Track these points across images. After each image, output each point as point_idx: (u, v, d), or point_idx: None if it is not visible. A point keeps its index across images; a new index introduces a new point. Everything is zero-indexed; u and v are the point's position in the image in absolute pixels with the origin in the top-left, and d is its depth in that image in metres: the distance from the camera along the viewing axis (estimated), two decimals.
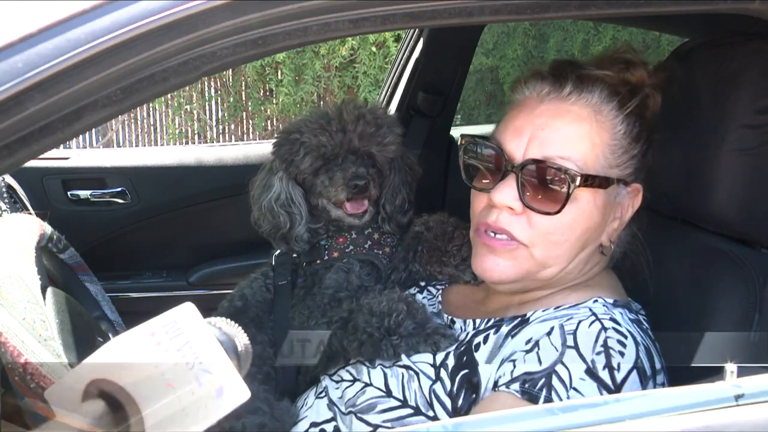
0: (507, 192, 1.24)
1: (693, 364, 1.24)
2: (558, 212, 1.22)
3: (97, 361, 0.67)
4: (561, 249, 1.26)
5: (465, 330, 1.35)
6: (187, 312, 0.72)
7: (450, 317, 1.42)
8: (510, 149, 1.26)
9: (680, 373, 1.22)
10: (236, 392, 0.71)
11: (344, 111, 1.56)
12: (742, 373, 0.89)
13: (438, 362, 1.28)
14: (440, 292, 1.53)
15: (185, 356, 0.69)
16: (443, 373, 1.26)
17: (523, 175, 1.24)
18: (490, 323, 1.31)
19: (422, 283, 1.56)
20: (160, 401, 0.66)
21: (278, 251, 1.67)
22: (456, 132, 2.70)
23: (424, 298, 1.52)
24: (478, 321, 1.34)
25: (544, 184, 1.23)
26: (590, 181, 1.23)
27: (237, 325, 0.77)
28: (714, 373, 0.92)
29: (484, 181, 1.32)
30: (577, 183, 1.21)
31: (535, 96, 1.29)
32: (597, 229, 1.28)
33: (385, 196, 1.62)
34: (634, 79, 1.29)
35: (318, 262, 1.59)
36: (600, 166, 1.24)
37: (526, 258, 1.26)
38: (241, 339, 0.76)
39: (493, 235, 1.28)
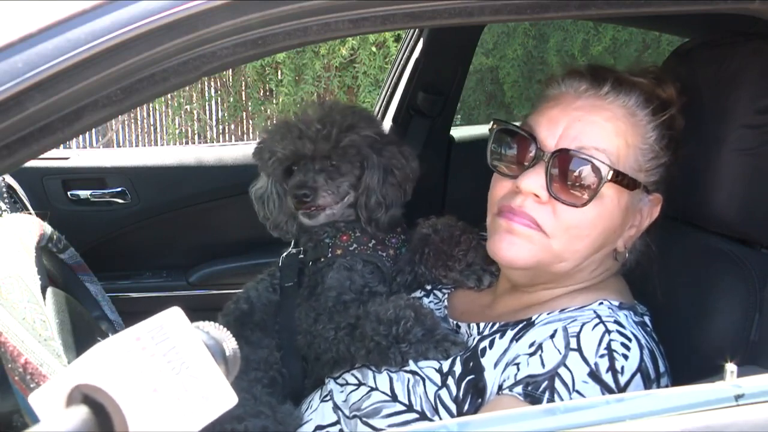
0: (535, 179, 1.24)
1: (693, 364, 1.24)
2: (584, 205, 1.22)
3: (82, 366, 0.66)
4: (580, 244, 1.25)
5: (470, 335, 1.35)
6: (173, 317, 0.71)
7: (455, 322, 1.42)
8: (543, 137, 1.26)
9: (680, 373, 1.22)
10: (223, 398, 0.70)
11: (304, 115, 1.58)
12: (741, 373, 0.89)
13: (445, 369, 1.28)
14: (446, 296, 1.52)
15: (171, 361, 0.68)
16: (450, 380, 1.26)
17: (553, 164, 1.23)
18: (495, 327, 1.31)
19: (428, 287, 1.56)
20: (145, 407, 0.65)
21: (286, 252, 1.66)
22: (456, 132, 2.70)
23: (430, 302, 1.51)
24: (482, 325, 1.34)
25: (573, 175, 1.22)
26: (620, 177, 1.23)
27: (225, 329, 0.76)
28: (714, 373, 0.92)
29: (510, 167, 1.31)
30: (608, 177, 1.21)
31: (572, 92, 1.29)
32: (616, 231, 1.28)
33: (361, 198, 1.59)
34: (665, 95, 1.30)
35: (322, 259, 1.58)
36: (629, 166, 1.25)
37: (544, 247, 1.25)
38: (230, 344, 0.75)
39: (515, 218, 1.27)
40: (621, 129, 1.25)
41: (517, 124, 1.35)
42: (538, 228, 1.25)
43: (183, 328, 0.70)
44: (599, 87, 1.27)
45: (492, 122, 1.38)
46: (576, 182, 1.23)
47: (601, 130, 1.24)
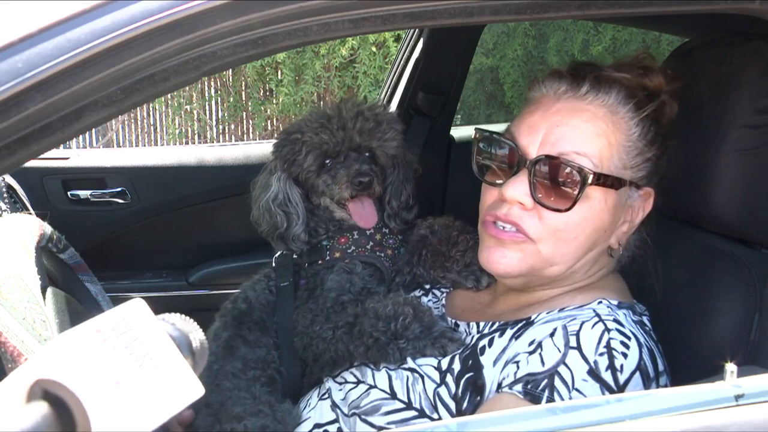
0: (518, 187, 1.24)
1: (693, 364, 1.24)
2: (568, 210, 1.22)
3: (41, 361, 0.65)
4: (569, 247, 1.26)
5: (470, 333, 1.35)
6: (136, 308, 0.69)
7: (454, 321, 1.42)
8: (524, 144, 1.26)
9: (680, 373, 1.22)
10: (189, 389, 0.68)
11: (343, 109, 1.55)
12: (741, 373, 0.89)
13: (444, 367, 1.28)
14: (444, 295, 1.52)
15: (134, 353, 0.66)
16: (449, 378, 1.26)
17: (536, 171, 1.23)
18: (495, 326, 1.31)
19: (427, 286, 1.56)
20: (107, 400, 0.64)
21: (279, 252, 1.66)
22: (456, 132, 2.70)
23: (429, 300, 1.51)
24: (482, 324, 1.34)
25: (556, 180, 1.23)
26: (603, 180, 1.23)
27: (192, 321, 0.75)
28: (714, 373, 0.92)
29: (496, 175, 1.32)
30: (590, 181, 1.21)
31: (552, 94, 1.29)
32: (606, 230, 1.28)
33: (390, 193, 1.61)
34: (652, 85, 1.29)
35: (320, 262, 1.58)
36: (614, 166, 1.24)
37: (533, 253, 1.26)
38: (197, 335, 0.74)
39: (501, 227, 1.28)
40: (602, 129, 1.24)
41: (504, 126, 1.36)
42: (525, 236, 1.25)
43: (146, 319, 0.69)
44: (578, 87, 1.27)
45: (475, 131, 1.38)
46: (559, 188, 1.23)
47: (581, 132, 1.24)
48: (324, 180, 1.55)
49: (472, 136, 1.38)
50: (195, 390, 0.69)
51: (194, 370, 0.70)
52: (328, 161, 1.55)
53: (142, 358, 0.67)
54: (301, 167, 1.56)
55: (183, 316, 0.75)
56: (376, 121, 1.55)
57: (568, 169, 1.22)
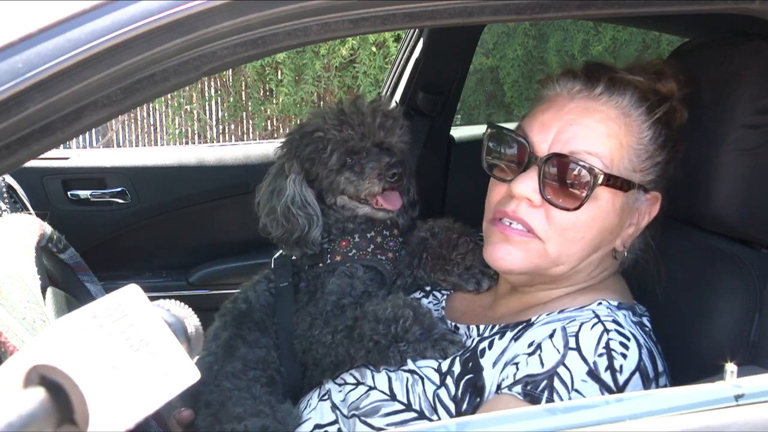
0: (528, 183, 1.24)
1: (693, 364, 1.24)
2: (576, 209, 1.22)
3: (38, 347, 0.65)
4: (575, 247, 1.26)
5: (470, 336, 1.35)
6: (131, 294, 0.70)
7: (454, 324, 1.42)
8: (535, 141, 1.26)
9: (680, 373, 1.22)
10: (185, 374, 0.69)
11: (361, 105, 1.54)
12: (741, 373, 0.89)
13: (444, 369, 1.28)
14: (445, 297, 1.52)
15: (130, 338, 0.67)
16: (449, 380, 1.26)
17: (546, 168, 1.23)
18: (495, 329, 1.31)
19: (427, 288, 1.55)
20: (104, 385, 0.64)
21: (278, 253, 1.65)
22: (456, 132, 2.70)
23: (429, 303, 1.51)
24: (482, 327, 1.34)
25: (565, 179, 1.23)
26: (612, 181, 1.23)
27: (187, 306, 0.75)
28: (714, 373, 0.92)
29: (505, 171, 1.31)
30: (600, 181, 1.21)
31: (566, 93, 1.29)
32: (612, 232, 1.28)
33: (401, 189, 1.59)
34: (665, 90, 1.29)
35: (320, 265, 1.57)
36: (624, 167, 1.24)
37: (540, 252, 1.26)
38: (192, 321, 0.75)
39: (508, 223, 1.27)
40: (614, 130, 1.24)
41: (514, 125, 1.35)
42: (532, 234, 1.25)
43: (141, 305, 0.70)
44: (592, 88, 1.27)
45: (486, 127, 1.38)
46: (568, 186, 1.23)
47: (593, 133, 1.24)
48: (347, 177, 1.52)
49: (484, 131, 1.37)
50: (191, 375, 0.69)
51: (190, 355, 0.71)
52: (350, 158, 1.52)
53: (138, 344, 0.67)
54: (324, 165, 1.52)
55: (178, 302, 0.76)
56: (393, 118, 1.55)
57: (578, 169, 1.22)
